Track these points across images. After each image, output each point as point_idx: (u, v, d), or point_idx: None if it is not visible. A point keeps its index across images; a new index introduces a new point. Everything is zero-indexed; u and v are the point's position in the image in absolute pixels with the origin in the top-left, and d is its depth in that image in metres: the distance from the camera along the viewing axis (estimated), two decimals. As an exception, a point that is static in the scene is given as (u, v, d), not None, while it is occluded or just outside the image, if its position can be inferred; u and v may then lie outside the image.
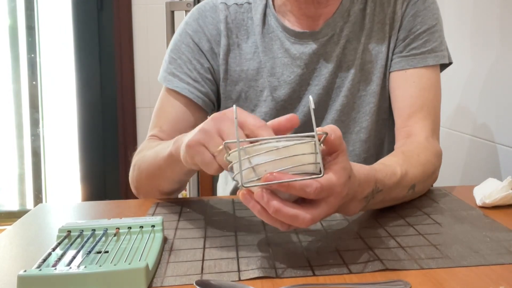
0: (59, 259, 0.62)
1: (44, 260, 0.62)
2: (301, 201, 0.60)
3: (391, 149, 1.04)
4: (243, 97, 1.06)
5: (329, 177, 0.59)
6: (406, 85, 1.01)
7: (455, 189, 0.96)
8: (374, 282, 0.58)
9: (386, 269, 0.61)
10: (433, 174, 0.92)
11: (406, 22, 1.02)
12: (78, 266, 0.58)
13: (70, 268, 0.58)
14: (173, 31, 2.03)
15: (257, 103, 1.05)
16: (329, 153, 0.62)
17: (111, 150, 2.89)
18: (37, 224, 0.86)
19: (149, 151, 0.94)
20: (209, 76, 1.05)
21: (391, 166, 0.80)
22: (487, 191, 0.84)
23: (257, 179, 0.58)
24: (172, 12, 2.09)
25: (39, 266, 0.60)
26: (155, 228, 0.71)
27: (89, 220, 0.76)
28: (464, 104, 1.47)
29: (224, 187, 1.23)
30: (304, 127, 0.96)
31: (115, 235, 0.70)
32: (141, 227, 0.71)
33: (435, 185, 0.97)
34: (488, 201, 0.83)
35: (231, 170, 0.63)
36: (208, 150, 0.68)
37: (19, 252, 0.73)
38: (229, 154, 0.62)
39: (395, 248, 0.68)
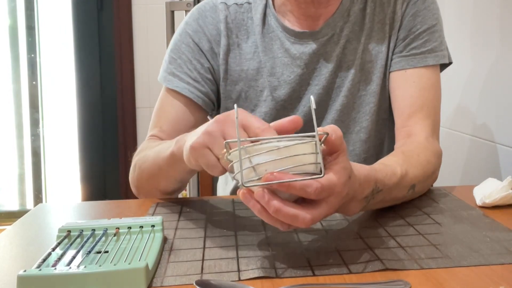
0: (59, 259, 0.62)
1: (44, 260, 0.62)
2: (301, 201, 0.60)
3: (391, 149, 1.04)
4: (243, 97, 1.06)
5: (330, 177, 0.59)
6: (406, 85, 1.01)
7: (455, 189, 0.96)
8: (374, 282, 0.58)
9: (386, 269, 0.61)
10: (433, 174, 0.92)
11: (406, 22, 1.02)
12: (78, 266, 0.58)
13: (70, 268, 0.58)
14: (173, 31, 2.03)
15: (257, 103, 1.05)
16: (330, 153, 0.62)
17: (111, 150, 2.89)
18: (37, 224, 0.86)
19: (150, 151, 0.94)
20: (209, 76, 1.05)
21: (391, 166, 0.80)
22: (487, 191, 0.84)
23: (257, 179, 0.58)
24: (172, 12, 2.10)
25: (39, 266, 0.60)
26: (155, 228, 0.71)
27: (89, 220, 0.76)
28: (464, 104, 1.47)
29: (224, 187, 1.23)
30: (304, 127, 0.95)
31: (115, 235, 0.70)
32: (141, 227, 0.71)
33: (435, 185, 0.97)
34: (488, 201, 0.83)
35: (231, 169, 0.63)
36: (212, 153, 0.68)
37: (19, 252, 0.73)
38: (230, 153, 0.62)
39: (395, 248, 0.68)
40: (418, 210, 0.84)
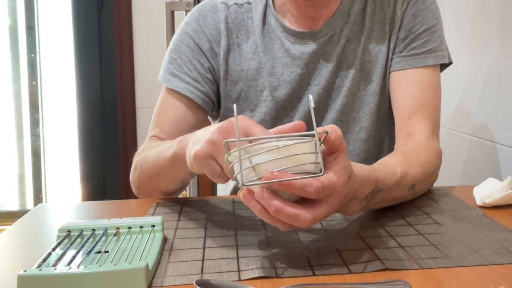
0: (59, 259, 0.62)
1: (44, 260, 0.62)
2: (302, 201, 0.60)
3: (391, 149, 1.04)
4: (243, 97, 1.06)
5: (330, 177, 0.59)
6: (406, 85, 1.01)
7: (455, 189, 0.96)
8: (374, 282, 0.58)
9: (386, 269, 0.61)
10: (433, 174, 0.92)
11: (406, 22, 1.02)
12: (78, 266, 0.58)
13: (70, 268, 0.58)
14: (173, 31, 2.03)
15: (257, 103, 1.05)
16: (330, 153, 0.62)
17: (111, 150, 2.89)
18: (37, 224, 0.86)
19: (151, 151, 0.94)
20: (209, 76, 1.05)
21: (391, 166, 0.80)
22: (487, 191, 0.84)
23: (257, 179, 0.58)
24: (172, 12, 2.09)
25: (39, 266, 0.60)
26: (155, 228, 0.71)
27: (89, 220, 0.76)
28: (464, 104, 1.47)
29: (224, 187, 1.23)
30: (305, 127, 0.96)
31: (115, 235, 0.70)
32: (141, 227, 0.71)
33: (435, 185, 0.97)
34: (488, 201, 0.83)
35: (231, 170, 0.62)
36: (216, 163, 0.68)
37: (19, 252, 0.73)
38: (230, 154, 0.62)
39: (395, 248, 0.68)
40: (418, 210, 0.84)
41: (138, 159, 0.99)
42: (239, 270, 0.62)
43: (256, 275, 0.60)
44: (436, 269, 0.61)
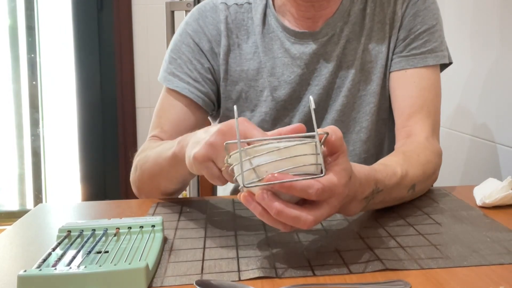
0: (59, 259, 0.62)
1: (44, 260, 0.62)
2: (302, 202, 0.60)
3: (391, 149, 1.04)
4: (243, 97, 1.06)
5: (330, 178, 0.59)
6: (406, 85, 1.01)
7: (455, 189, 0.96)
8: (374, 282, 0.58)
9: (386, 269, 0.61)
10: (433, 174, 0.92)
11: (406, 22, 1.02)
12: (78, 266, 0.58)
13: (70, 268, 0.58)
14: (173, 31, 2.03)
15: (257, 103, 1.05)
16: (330, 154, 0.62)
17: (111, 150, 2.89)
18: (37, 224, 0.86)
19: (151, 152, 0.94)
20: (209, 76, 1.05)
21: (391, 166, 0.80)
22: (487, 191, 0.84)
23: (258, 180, 0.58)
24: (172, 12, 2.09)
25: (39, 266, 0.60)
26: (155, 228, 0.71)
27: (89, 220, 0.76)
28: (464, 104, 1.47)
29: (224, 187, 1.23)
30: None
31: (115, 235, 0.70)
32: (141, 227, 0.71)
33: (435, 185, 0.97)
34: (488, 201, 0.83)
35: (232, 173, 0.62)
36: (215, 165, 0.68)
37: (19, 252, 0.73)
38: (230, 156, 0.62)
39: (395, 248, 0.68)
40: (418, 210, 0.84)
41: (138, 159, 0.99)
42: (239, 270, 0.62)
43: (256, 275, 0.60)
44: (436, 269, 0.61)
